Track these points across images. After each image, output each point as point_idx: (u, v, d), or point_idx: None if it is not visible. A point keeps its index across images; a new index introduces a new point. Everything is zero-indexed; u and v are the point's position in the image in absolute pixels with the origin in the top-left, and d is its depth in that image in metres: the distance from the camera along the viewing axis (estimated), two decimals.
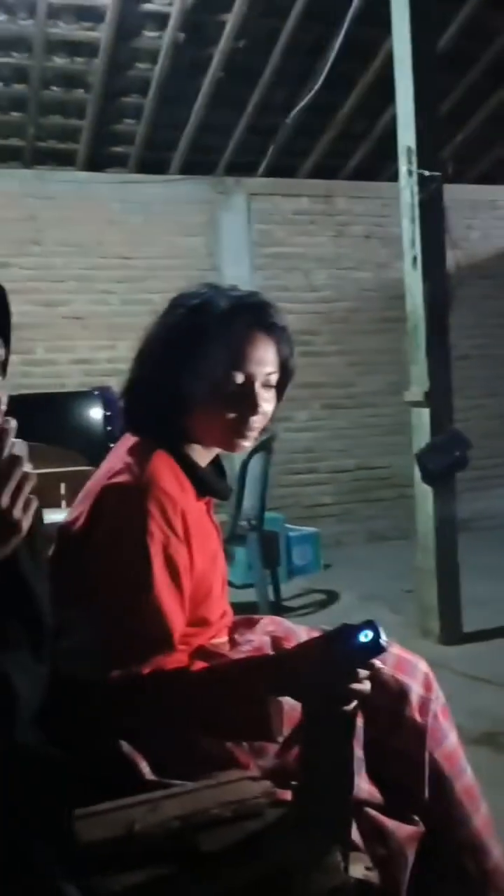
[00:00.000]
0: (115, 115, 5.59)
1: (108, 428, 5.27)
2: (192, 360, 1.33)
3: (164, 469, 1.31)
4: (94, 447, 4.86)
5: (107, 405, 5.33)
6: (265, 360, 1.37)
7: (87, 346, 5.89)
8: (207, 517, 1.44)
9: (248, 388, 1.36)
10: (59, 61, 5.15)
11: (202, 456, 1.42)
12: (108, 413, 5.31)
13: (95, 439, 5.10)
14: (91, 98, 5.33)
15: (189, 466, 1.37)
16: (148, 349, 1.40)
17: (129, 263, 5.96)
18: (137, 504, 1.27)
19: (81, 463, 3.91)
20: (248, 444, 1.40)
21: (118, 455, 1.37)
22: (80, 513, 1.35)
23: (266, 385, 1.38)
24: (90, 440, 4.99)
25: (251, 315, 1.37)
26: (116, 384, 5.50)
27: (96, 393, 5.37)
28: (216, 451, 1.45)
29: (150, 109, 5.46)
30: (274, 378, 1.39)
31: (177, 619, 1.28)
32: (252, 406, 1.36)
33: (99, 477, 1.37)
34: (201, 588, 1.35)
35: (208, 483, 1.40)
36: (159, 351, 1.38)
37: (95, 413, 5.27)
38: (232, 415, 1.36)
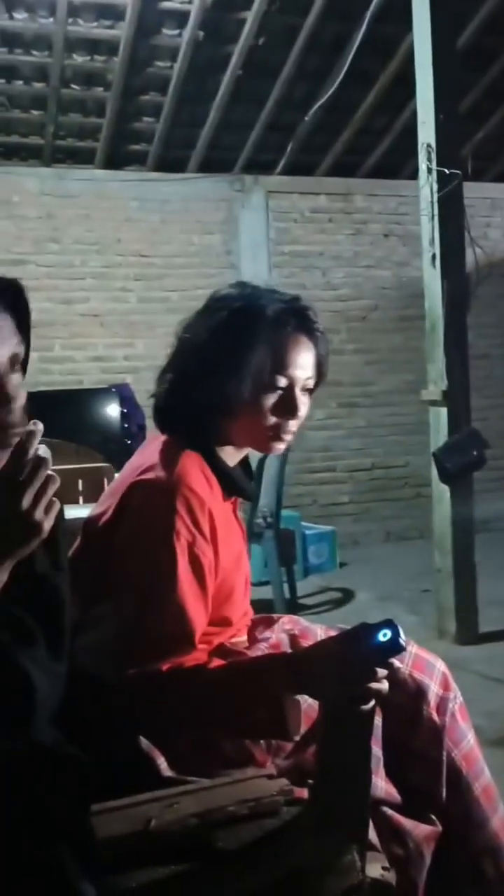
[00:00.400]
0: (133, 113, 5.60)
1: (125, 425, 5.29)
2: (237, 362, 1.33)
3: (193, 468, 1.31)
4: (111, 444, 4.88)
5: (123, 402, 5.35)
6: (306, 365, 1.38)
7: (104, 344, 5.91)
8: (234, 517, 1.43)
9: (289, 392, 1.37)
10: (79, 59, 5.16)
11: (232, 456, 1.41)
12: (125, 410, 5.33)
13: (112, 436, 5.12)
14: (110, 96, 5.35)
15: (218, 466, 1.37)
16: (189, 350, 1.39)
17: (147, 261, 5.97)
18: (165, 502, 1.27)
19: (98, 459, 3.92)
20: (283, 447, 1.41)
21: (148, 452, 1.37)
22: (106, 507, 1.35)
23: (304, 389, 1.39)
24: (107, 437, 5.01)
25: (296, 320, 1.37)
26: (133, 381, 5.52)
27: (113, 390, 5.39)
28: (246, 451, 1.45)
29: (168, 107, 5.46)
30: (311, 382, 1.40)
31: (199, 619, 1.28)
32: (292, 410, 1.37)
33: (127, 473, 1.37)
34: (224, 588, 1.35)
35: (236, 483, 1.40)
36: (203, 352, 1.36)
37: (112, 410, 5.28)
38: (273, 418, 1.36)
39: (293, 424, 1.39)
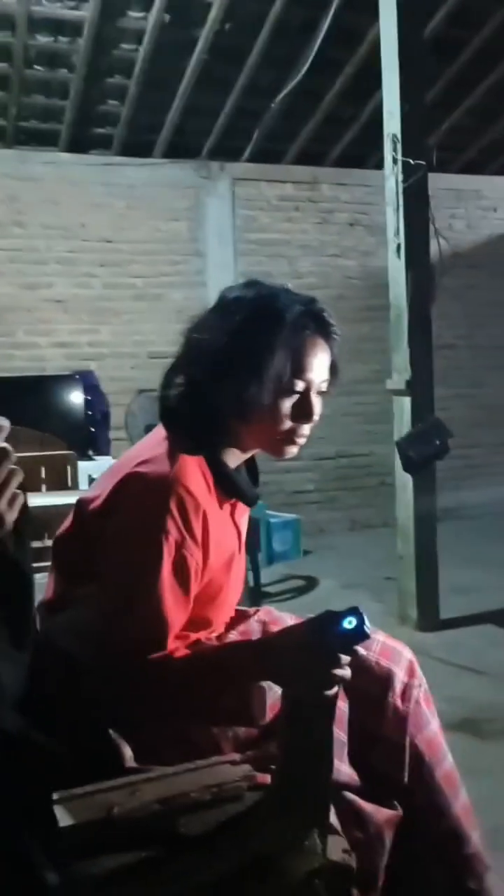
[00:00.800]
0: (98, 95, 5.53)
1: (89, 412, 5.25)
2: (257, 366, 1.30)
3: (193, 467, 1.30)
4: (75, 431, 4.85)
5: (87, 389, 5.31)
6: (323, 368, 1.37)
7: (68, 330, 5.85)
8: (231, 520, 1.41)
9: (306, 396, 1.36)
10: (43, 40, 5.07)
11: (236, 458, 1.40)
12: (89, 397, 5.29)
13: (76, 423, 5.09)
14: (74, 78, 5.27)
15: (219, 469, 1.35)
16: (203, 352, 1.34)
17: (112, 247, 5.92)
18: (159, 499, 1.25)
19: (62, 447, 3.89)
20: (296, 451, 1.40)
21: (151, 443, 1.35)
22: (100, 492, 1.34)
23: (319, 392, 1.38)
24: (71, 424, 4.97)
25: (314, 323, 1.36)
26: (98, 368, 5.46)
27: (77, 377, 5.35)
28: (250, 454, 1.43)
29: (134, 91, 5.40)
30: (325, 385, 1.39)
31: (175, 621, 1.27)
32: (309, 414, 1.36)
33: (126, 461, 1.35)
34: (210, 589, 1.35)
35: (237, 487, 1.38)
36: (220, 355, 1.32)
37: (76, 397, 5.25)
38: (289, 422, 1.35)
39: (307, 428, 1.38)
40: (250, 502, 1.44)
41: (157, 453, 1.30)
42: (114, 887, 1.01)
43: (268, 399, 1.32)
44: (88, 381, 5.36)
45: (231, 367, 1.31)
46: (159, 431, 1.37)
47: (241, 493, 1.39)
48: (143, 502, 1.27)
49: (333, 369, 1.40)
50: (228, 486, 1.36)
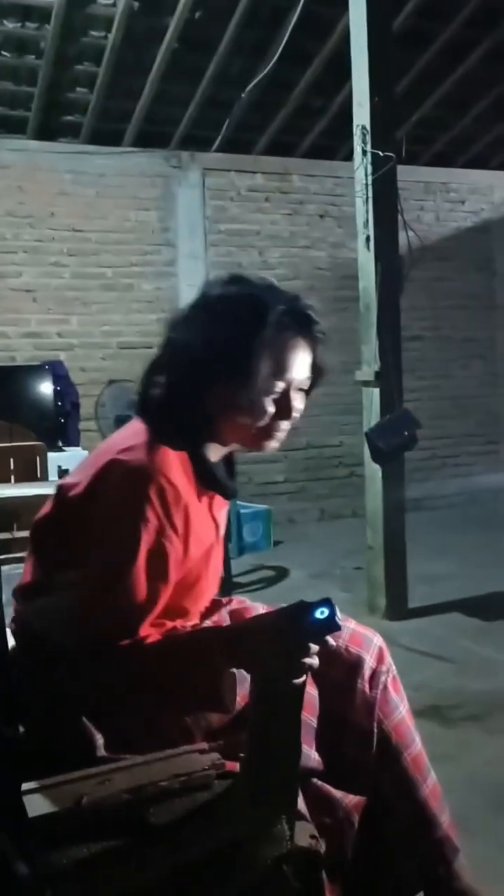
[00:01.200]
0: (67, 83, 5.47)
1: (58, 403, 5.22)
2: (243, 368, 1.32)
3: (173, 458, 1.30)
4: (45, 422, 4.82)
5: (57, 380, 5.28)
6: (303, 368, 1.39)
7: (37, 320, 5.80)
8: (209, 513, 1.42)
9: (285, 395, 1.37)
10: (10, 26, 5.00)
11: (215, 452, 1.41)
12: (59, 388, 5.26)
13: (45, 414, 5.06)
14: (43, 65, 5.21)
15: (200, 462, 1.36)
16: (188, 351, 1.34)
17: (81, 236, 5.87)
18: (140, 487, 1.25)
19: (31, 438, 3.87)
20: (276, 445, 1.41)
21: (130, 432, 1.35)
22: (80, 479, 1.34)
23: (299, 389, 1.40)
24: (40, 415, 4.94)
25: (298, 323, 1.37)
26: (67, 358, 5.40)
27: (46, 367, 5.31)
28: (230, 448, 1.44)
29: (103, 78, 5.35)
30: (307, 383, 1.41)
31: (150, 608, 1.27)
32: (287, 412, 1.38)
33: (106, 449, 1.35)
34: (188, 578, 1.36)
35: (216, 480, 1.39)
36: (205, 355, 1.33)
37: (46, 388, 5.21)
38: (267, 419, 1.37)
39: (286, 424, 1.40)
40: (228, 495, 1.45)
41: (140, 441, 1.31)
42: (83, 877, 1.02)
43: (248, 398, 1.33)
44: (58, 372, 5.33)
45: (214, 367, 1.32)
46: (138, 422, 1.37)
47: (220, 486, 1.41)
48: (123, 489, 1.27)
49: (317, 367, 1.41)
50: (208, 480, 1.37)
